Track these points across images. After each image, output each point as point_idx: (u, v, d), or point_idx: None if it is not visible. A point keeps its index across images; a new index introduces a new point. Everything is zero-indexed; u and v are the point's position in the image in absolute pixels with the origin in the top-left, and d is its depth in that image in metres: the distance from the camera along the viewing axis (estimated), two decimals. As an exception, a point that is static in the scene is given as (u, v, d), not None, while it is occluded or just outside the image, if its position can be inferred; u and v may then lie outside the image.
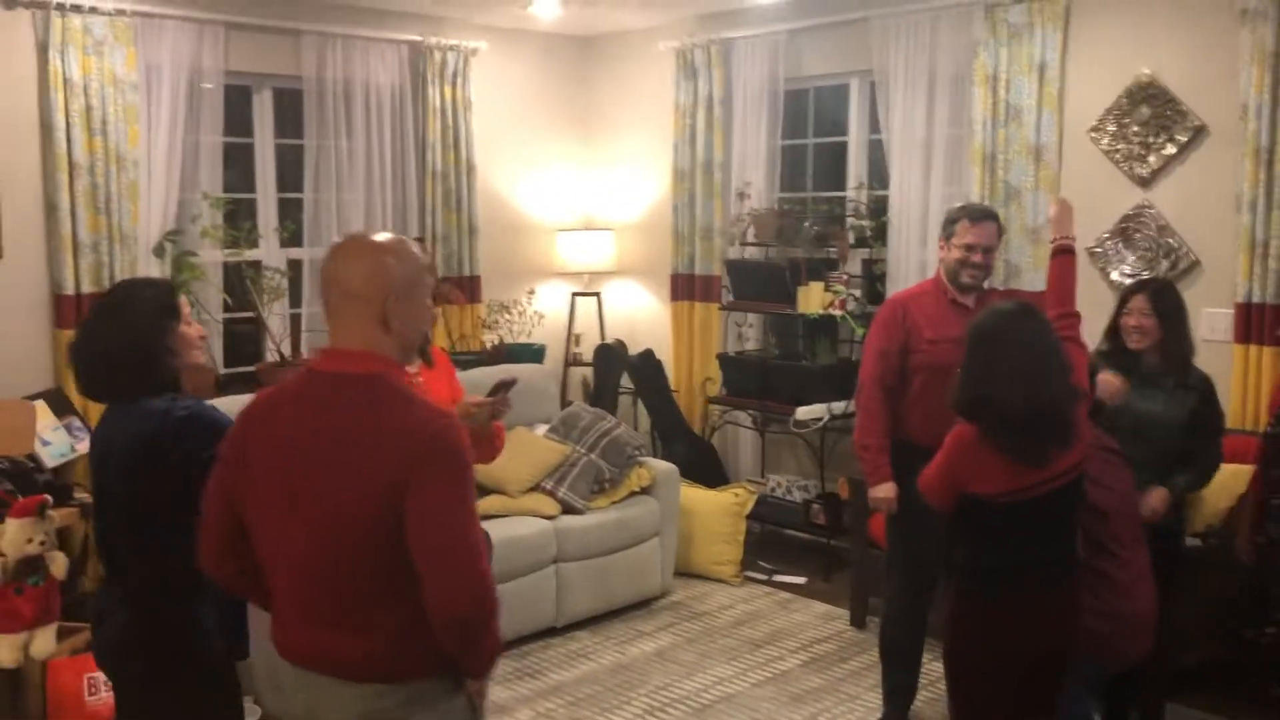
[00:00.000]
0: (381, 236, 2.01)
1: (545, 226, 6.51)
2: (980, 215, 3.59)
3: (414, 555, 1.88)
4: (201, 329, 2.57)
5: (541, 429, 5.13)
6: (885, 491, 3.64)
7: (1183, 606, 3.60)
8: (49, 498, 3.18)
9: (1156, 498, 3.34)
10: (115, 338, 2.39)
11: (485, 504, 4.45)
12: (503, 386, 2.96)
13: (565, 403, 5.90)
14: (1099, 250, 4.63)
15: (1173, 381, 3.42)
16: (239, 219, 5.39)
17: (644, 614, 4.89)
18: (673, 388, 6.15)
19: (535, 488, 4.76)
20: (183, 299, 2.51)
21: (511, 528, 4.46)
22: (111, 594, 2.47)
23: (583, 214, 6.68)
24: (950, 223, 3.61)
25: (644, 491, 5.00)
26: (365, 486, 1.87)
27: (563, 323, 6.48)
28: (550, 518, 4.66)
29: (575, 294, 6.50)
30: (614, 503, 4.89)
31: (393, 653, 1.94)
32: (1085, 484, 2.87)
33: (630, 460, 4.98)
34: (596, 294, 6.49)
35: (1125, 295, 3.55)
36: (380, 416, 1.90)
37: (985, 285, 3.71)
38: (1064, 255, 3.24)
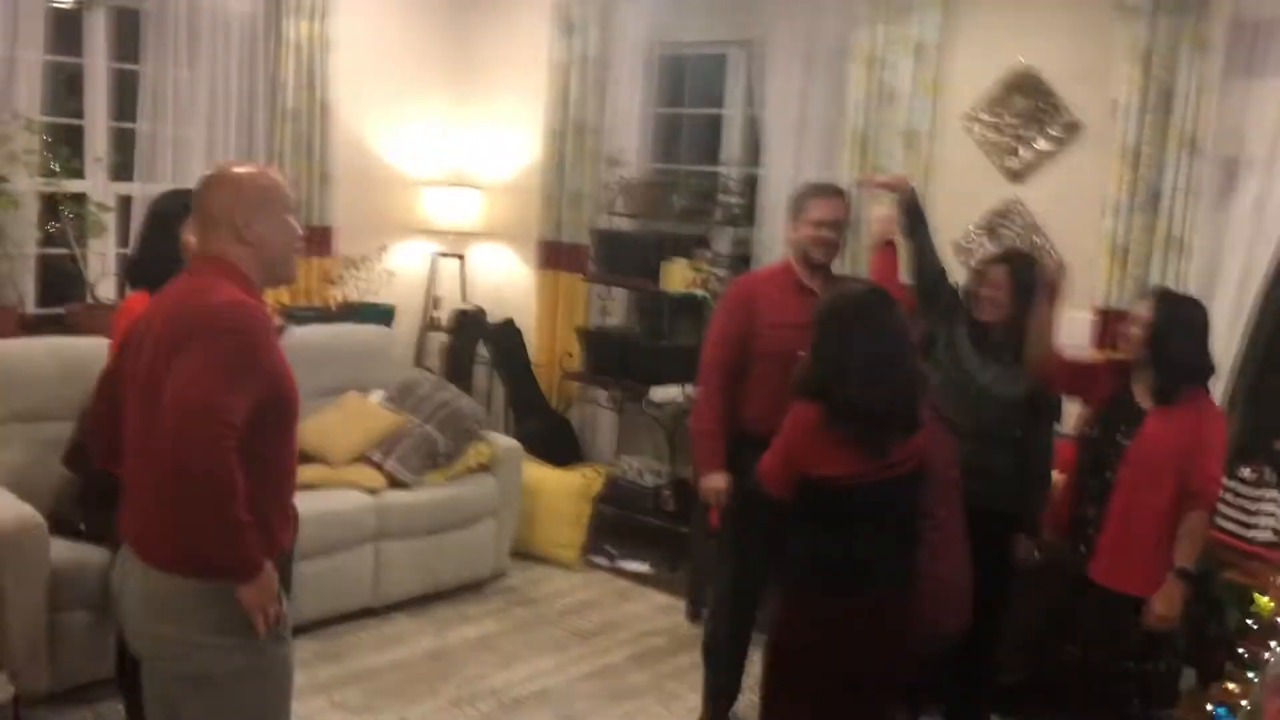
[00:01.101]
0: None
1: (409, 180, 6.15)
2: (829, 191, 3.45)
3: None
4: None
5: (377, 395, 4.80)
6: (716, 481, 3.44)
7: (1016, 617, 3.49)
8: None
9: (1022, 549, 3.39)
10: None
11: (302, 474, 4.11)
12: None
13: (424, 369, 5.60)
14: (966, 245, 4.47)
15: (1011, 356, 3.31)
16: (62, 146, 4.93)
17: (473, 598, 4.62)
18: (534, 360, 5.87)
19: (361, 458, 4.44)
20: None
21: (327, 501, 4.13)
22: None
23: (450, 170, 6.33)
24: (798, 200, 3.44)
25: (483, 468, 4.72)
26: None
27: (420, 283, 6.13)
28: (373, 491, 4.34)
29: (439, 254, 6.16)
30: (449, 478, 4.59)
31: None
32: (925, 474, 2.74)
33: (469, 434, 4.69)
34: (460, 256, 6.17)
35: (984, 264, 3.45)
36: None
37: (834, 270, 3.54)
38: (887, 248, 3.20)
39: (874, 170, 4.46)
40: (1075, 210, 4.22)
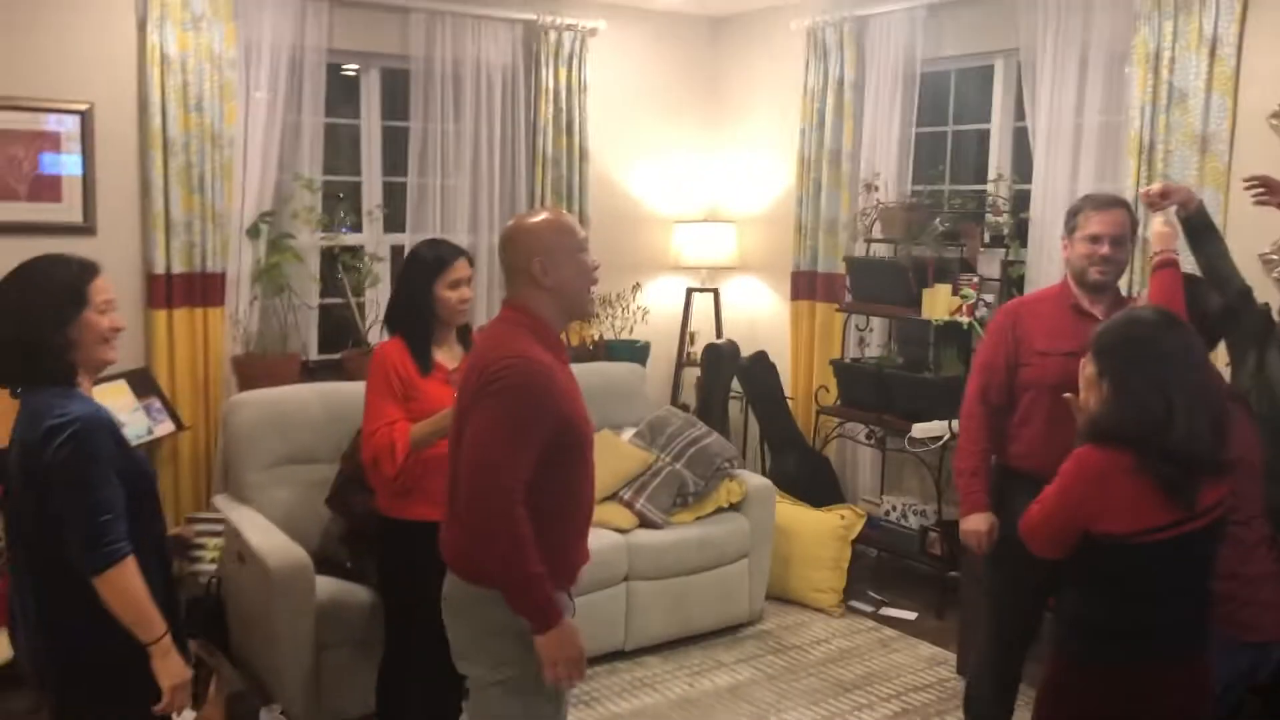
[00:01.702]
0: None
1: (661, 218, 6.15)
2: (1106, 203, 3.08)
3: None
4: (119, 321, 2.31)
5: (628, 433, 4.77)
6: (977, 524, 3.14)
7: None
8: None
9: None
10: (8, 318, 2.16)
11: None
12: None
13: (680, 406, 5.55)
14: (1275, 257, 3.93)
15: None
16: (341, 202, 5.25)
17: (727, 642, 4.46)
18: (788, 395, 5.69)
19: (612, 497, 4.41)
20: (99, 284, 2.26)
21: (579, 539, 4.11)
22: (18, 590, 2.26)
23: (704, 206, 6.29)
24: (1073, 215, 3.11)
25: (733, 508, 4.58)
26: None
27: (674, 319, 6.10)
28: (624, 531, 4.29)
29: (691, 290, 6.12)
30: (698, 518, 4.48)
31: None
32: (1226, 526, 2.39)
33: (719, 472, 4.57)
34: (714, 290, 6.09)
35: None
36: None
37: (1119, 293, 3.17)
38: (1168, 269, 2.81)
39: (1161, 180, 4.01)
40: None
